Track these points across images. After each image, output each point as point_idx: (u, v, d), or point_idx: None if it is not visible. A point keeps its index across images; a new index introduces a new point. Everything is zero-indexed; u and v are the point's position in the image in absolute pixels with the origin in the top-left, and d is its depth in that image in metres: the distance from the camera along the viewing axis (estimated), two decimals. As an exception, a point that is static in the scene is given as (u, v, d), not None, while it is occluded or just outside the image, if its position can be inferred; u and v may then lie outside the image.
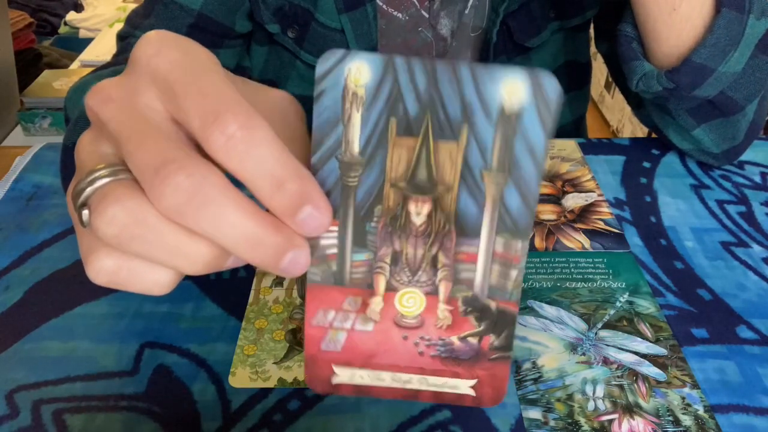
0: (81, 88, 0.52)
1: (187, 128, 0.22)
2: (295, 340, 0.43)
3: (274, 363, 0.41)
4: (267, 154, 0.21)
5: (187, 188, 0.20)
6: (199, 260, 0.22)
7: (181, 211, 0.20)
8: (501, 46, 0.65)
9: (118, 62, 0.59)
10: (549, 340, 0.43)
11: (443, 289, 0.24)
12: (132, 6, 2.04)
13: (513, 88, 0.20)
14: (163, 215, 0.21)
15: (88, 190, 0.22)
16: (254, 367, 0.41)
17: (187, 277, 0.48)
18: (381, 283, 0.24)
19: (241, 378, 0.40)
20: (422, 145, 0.22)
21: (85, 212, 0.21)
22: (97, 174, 0.22)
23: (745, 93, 0.53)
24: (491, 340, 0.24)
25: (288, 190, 0.21)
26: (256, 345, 0.42)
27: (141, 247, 0.21)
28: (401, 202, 0.23)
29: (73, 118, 0.45)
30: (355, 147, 0.21)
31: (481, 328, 0.24)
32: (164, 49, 0.22)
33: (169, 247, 0.21)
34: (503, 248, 0.23)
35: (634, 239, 0.52)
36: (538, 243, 0.51)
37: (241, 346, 0.42)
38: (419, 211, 0.23)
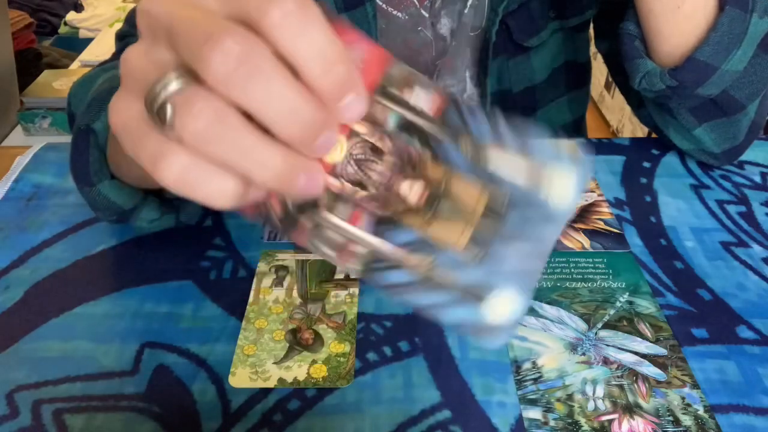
0: (87, 82, 0.52)
1: (240, 15, 0.22)
2: (295, 340, 0.43)
3: (274, 363, 0.41)
4: (320, 34, 0.21)
5: (235, 54, 0.20)
6: (268, 167, 0.22)
7: (230, 81, 0.21)
8: (500, 46, 0.65)
9: None
10: (549, 340, 0.43)
11: (324, 197, 0.24)
12: (132, 6, 2.03)
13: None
14: (213, 88, 0.21)
15: (165, 92, 0.22)
16: (254, 367, 0.41)
17: (188, 277, 0.48)
18: (342, 146, 0.24)
19: (241, 378, 0.40)
20: (482, 214, 0.23)
21: (170, 108, 0.22)
22: (172, 77, 0.22)
23: (747, 92, 0.53)
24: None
25: (337, 73, 0.21)
26: (256, 345, 0.42)
27: (218, 146, 0.22)
28: (418, 177, 0.23)
29: (83, 107, 0.44)
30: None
31: (281, 223, 0.25)
32: None
33: (243, 148, 0.22)
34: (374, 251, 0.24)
35: (634, 239, 0.52)
36: (538, 243, 0.51)
37: (241, 346, 0.42)
38: (412, 189, 0.23)
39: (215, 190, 0.23)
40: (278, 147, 0.22)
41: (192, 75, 0.22)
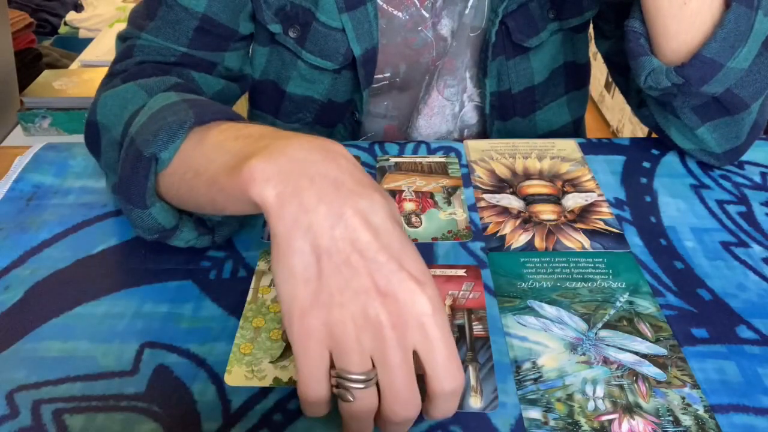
0: (120, 96, 0.50)
1: None
2: (295, 340, 0.43)
3: (270, 362, 0.41)
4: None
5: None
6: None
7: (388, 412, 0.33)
8: (500, 47, 0.65)
9: (128, 67, 0.57)
10: (549, 340, 0.43)
11: None
12: (132, 6, 2.03)
13: None
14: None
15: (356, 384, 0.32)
16: (250, 366, 0.41)
17: (188, 277, 0.48)
18: None
19: (236, 376, 0.40)
20: None
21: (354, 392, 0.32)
22: (363, 376, 0.32)
23: (751, 90, 0.53)
24: None
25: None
26: (253, 344, 0.42)
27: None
28: None
29: (145, 133, 0.43)
30: None
31: None
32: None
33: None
34: None
35: (634, 239, 0.52)
36: (538, 243, 0.51)
37: (238, 344, 0.42)
38: None
39: None
40: None
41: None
